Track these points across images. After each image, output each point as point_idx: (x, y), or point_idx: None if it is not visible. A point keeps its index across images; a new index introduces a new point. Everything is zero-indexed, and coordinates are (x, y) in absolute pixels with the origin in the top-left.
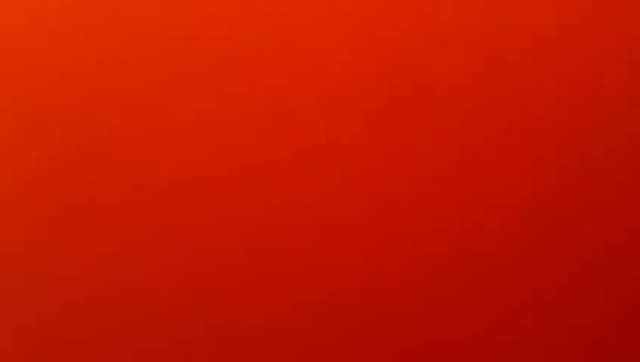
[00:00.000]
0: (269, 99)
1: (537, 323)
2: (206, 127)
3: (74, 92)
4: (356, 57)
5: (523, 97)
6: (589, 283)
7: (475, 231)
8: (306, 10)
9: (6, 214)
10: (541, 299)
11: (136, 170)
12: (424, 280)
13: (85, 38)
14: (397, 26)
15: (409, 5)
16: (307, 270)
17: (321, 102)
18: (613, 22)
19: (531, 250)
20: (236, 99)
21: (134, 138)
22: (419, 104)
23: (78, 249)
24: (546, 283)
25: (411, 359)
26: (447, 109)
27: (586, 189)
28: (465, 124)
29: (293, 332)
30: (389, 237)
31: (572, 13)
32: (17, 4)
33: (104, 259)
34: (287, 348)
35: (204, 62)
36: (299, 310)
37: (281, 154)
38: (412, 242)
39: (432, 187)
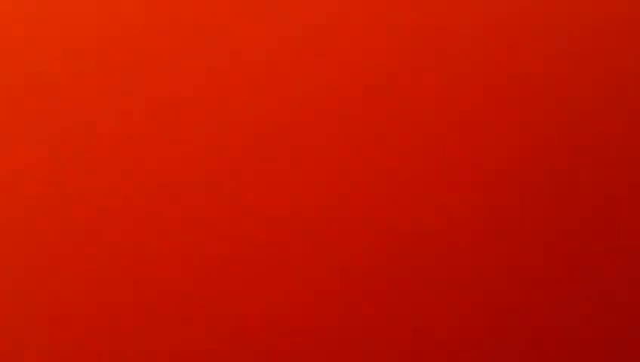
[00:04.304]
0: (266, 98)
1: (536, 323)
2: (204, 125)
3: (73, 92)
4: (354, 58)
5: (520, 97)
6: (586, 283)
7: (472, 230)
8: (304, 10)
9: (6, 214)
10: (541, 299)
11: (135, 169)
12: (422, 281)
13: (85, 37)
14: (394, 26)
15: (406, 6)
16: (306, 270)
17: (318, 102)
18: (613, 22)
19: (530, 249)
20: (235, 98)
21: (133, 137)
22: (417, 104)
23: (78, 249)
24: (544, 284)
25: (411, 359)
26: (445, 109)
27: (582, 189)
28: (462, 124)
29: (290, 333)
30: (386, 238)
31: (569, 13)
32: (18, 4)
33: (104, 260)
34: (285, 349)
35: (202, 61)
36: (294, 310)
37: (276, 154)
38: (408, 243)
39: (431, 187)
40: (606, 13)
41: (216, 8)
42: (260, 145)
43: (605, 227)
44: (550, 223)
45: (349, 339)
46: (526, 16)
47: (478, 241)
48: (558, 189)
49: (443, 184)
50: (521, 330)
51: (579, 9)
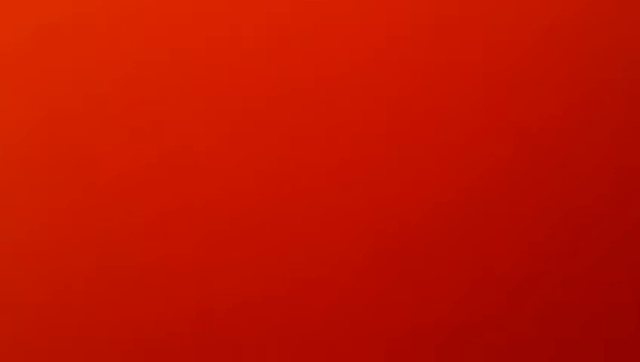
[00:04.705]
0: (264, 100)
1: (536, 323)
2: (204, 125)
3: (73, 94)
4: (353, 57)
5: (519, 97)
6: (586, 282)
7: (471, 230)
8: (302, 11)
9: (6, 214)
10: (539, 299)
11: (134, 169)
12: (420, 280)
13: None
14: (393, 26)
15: (404, 6)
16: (305, 269)
17: (317, 103)
18: (610, 21)
19: (529, 249)
20: (233, 99)
21: (133, 136)
22: (416, 104)
23: (78, 248)
24: (543, 284)
25: (410, 359)
26: (443, 110)
27: (581, 189)
28: (461, 123)
29: (289, 333)
30: (384, 237)
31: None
32: (18, 5)
33: (104, 260)
34: (284, 348)
35: (202, 60)
36: (293, 310)
37: (275, 153)
38: (406, 242)
39: (429, 186)
40: (606, 13)
41: (217, 8)
42: (258, 145)
43: (605, 226)
44: (550, 222)
45: (347, 339)
46: (526, 16)
47: (477, 241)
48: (557, 189)
49: (441, 183)
50: (520, 330)
51: (579, 9)
